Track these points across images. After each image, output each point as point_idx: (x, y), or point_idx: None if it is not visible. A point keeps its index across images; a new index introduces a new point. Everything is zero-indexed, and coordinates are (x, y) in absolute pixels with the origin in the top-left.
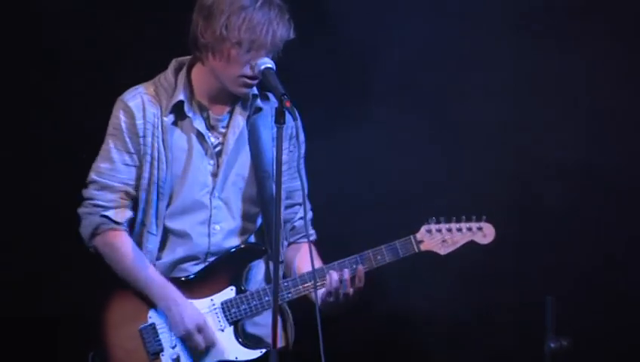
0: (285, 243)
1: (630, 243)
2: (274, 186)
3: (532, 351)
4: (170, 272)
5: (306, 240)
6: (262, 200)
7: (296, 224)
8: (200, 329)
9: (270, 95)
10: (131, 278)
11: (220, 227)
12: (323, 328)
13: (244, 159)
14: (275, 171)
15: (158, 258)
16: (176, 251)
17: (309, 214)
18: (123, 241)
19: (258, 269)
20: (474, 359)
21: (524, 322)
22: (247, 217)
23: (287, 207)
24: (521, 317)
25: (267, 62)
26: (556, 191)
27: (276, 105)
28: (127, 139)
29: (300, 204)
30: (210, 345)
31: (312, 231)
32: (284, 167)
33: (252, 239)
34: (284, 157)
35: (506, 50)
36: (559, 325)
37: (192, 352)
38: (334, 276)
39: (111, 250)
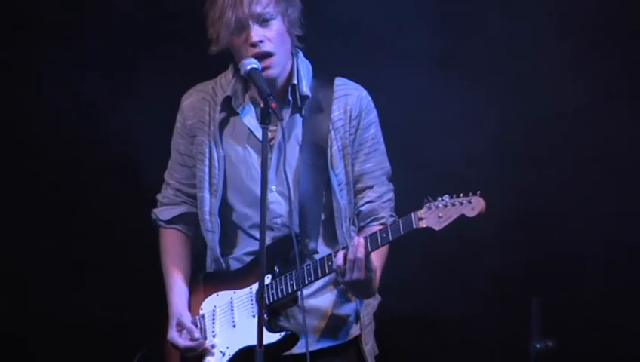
0: (354, 228)
1: (617, 243)
2: (322, 174)
3: (517, 351)
4: (238, 265)
5: (376, 223)
6: (308, 190)
7: (362, 208)
8: (180, 333)
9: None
10: (164, 274)
11: (281, 221)
12: None
13: (295, 150)
14: (261, 169)
15: (227, 254)
16: (244, 246)
17: (389, 195)
18: (165, 239)
19: (307, 259)
20: (459, 359)
21: (510, 323)
22: (304, 208)
23: (357, 192)
24: (506, 318)
25: (252, 63)
26: (544, 190)
27: (349, 90)
28: (180, 140)
29: (369, 188)
30: (221, 338)
31: (385, 214)
32: (345, 151)
33: (310, 228)
34: (345, 140)
35: None
36: (544, 326)
37: (227, 338)
38: (340, 255)
39: (159, 243)
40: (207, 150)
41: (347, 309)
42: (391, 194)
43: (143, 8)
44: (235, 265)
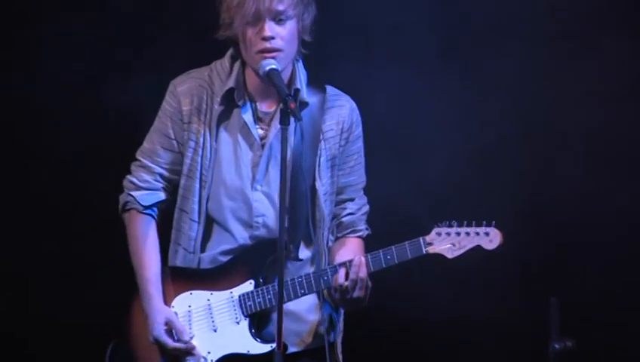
0: (332, 238)
1: (634, 244)
2: (308, 183)
3: (536, 352)
4: (210, 264)
5: (353, 235)
6: (293, 196)
7: (343, 220)
8: (159, 342)
9: (329, 88)
10: (135, 263)
11: (263, 220)
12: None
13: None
14: (280, 170)
15: (202, 250)
16: (218, 244)
17: (364, 208)
18: (140, 226)
19: (294, 266)
20: (478, 360)
21: (529, 323)
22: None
23: (337, 203)
24: (525, 318)
25: (272, 64)
26: (561, 192)
27: (342, 101)
28: (170, 124)
29: (351, 200)
30: (189, 346)
31: (362, 227)
32: (333, 162)
33: (291, 234)
34: (334, 151)
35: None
36: (563, 326)
37: (208, 343)
38: (341, 273)
39: (129, 229)
40: (201, 139)
41: (321, 315)
42: (367, 207)
43: None
44: (207, 263)
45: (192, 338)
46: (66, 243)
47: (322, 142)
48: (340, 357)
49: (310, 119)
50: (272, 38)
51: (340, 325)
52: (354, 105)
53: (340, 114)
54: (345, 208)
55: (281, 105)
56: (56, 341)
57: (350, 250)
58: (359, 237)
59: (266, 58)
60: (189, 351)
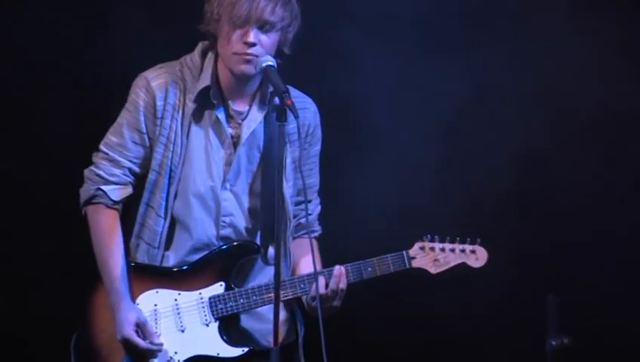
0: (291, 238)
1: (632, 242)
2: (277, 186)
3: (533, 348)
4: (175, 261)
5: (309, 235)
6: (265, 197)
7: (302, 221)
8: (129, 342)
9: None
10: (101, 258)
11: (230, 220)
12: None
13: (255, 154)
14: (277, 169)
15: (167, 246)
16: (184, 242)
17: (318, 209)
18: (108, 221)
19: (262, 269)
20: (475, 358)
21: (525, 320)
22: (254, 213)
23: (296, 204)
24: (522, 315)
25: (268, 60)
26: (557, 190)
27: (306, 103)
28: (142, 118)
29: (309, 201)
30: (156, 346)
31: (317, 228)
32: (295, 165)
33: (258, 236)
34: (297, 154)
35: None
36: (560, 323)
37: (174, 343)
38: (321, 282)
39: (95, 224)
40: (172, 135)
41: (285, 314)
42: (320, 207)
43: None
44: (172, 260)
45: (158, 336)
46: (66, 243)
47: (287, 144)
48: (302, 355)
49: (275, 121)
50: (254, 45)
51: (301, 325)
52: (316, 107)
53: (306, 117)
54: (303, 209)
55: (275, 101)
56: (56, 341)
57: (307, 251)
58: (315, 237)
59: (243, 61)
60: (156, 352)
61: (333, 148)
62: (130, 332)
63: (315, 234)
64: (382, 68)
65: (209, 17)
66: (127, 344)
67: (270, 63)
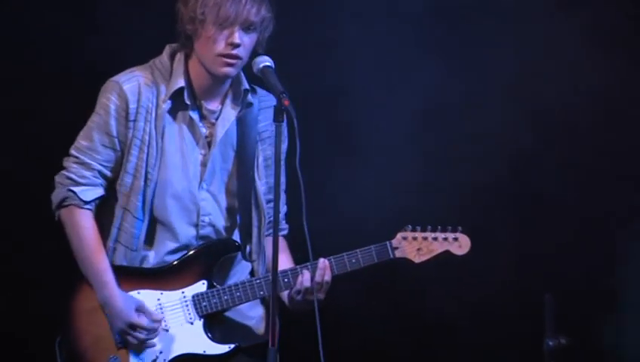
0: (264, 236)
1: (628, 241)
2: (250, 183)
3: (531, 349)
4: (155, 263)
5: (279, 233)
6: (241, 196)
7: (272, 219)
8: (133, 327)
9: (258, 89)
10: (83, 257)
11: (209, 219)
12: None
13: (230, 153)
14: (275, 170)
15: (146, 249)
16: (164, 243)
17: (285, 208)
18: (83, 220)
19: (241, 266)
20: (472, 357)
21: (523, 320)
22: (231, 212)
23: (268, 202)
24: (519, 315)
25: (266, 61)
26: (556, 188)
27: (272, 102)
28: (113, 122)
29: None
30: (154, 340)
31: (285, 226)
32: (267, 163)
33: (237, 234)
34: (268, 152)
35: None
36: (558, 323)
37: (159, 342)
38: (306, 275)
39: (71, 224)
40: (147, 137)
41: (264, 311)
42: (286, 206)
43: None
44: (152, 262)
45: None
46: (66, 243)
47: (259, 143)
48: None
49: (250, 120)
50: (239, 45)
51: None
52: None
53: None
54: (272, 208)
55: (249, 98)
56: (56, 341)
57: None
58: (283, 236)
59: (226, 63)
60: (139, 347)
61: (321, 146)
62: (133, 316)
63: (284, 232)
64: (369, 65)
65: (190, 18)
66: (130, 330)
67: (268, 64)
